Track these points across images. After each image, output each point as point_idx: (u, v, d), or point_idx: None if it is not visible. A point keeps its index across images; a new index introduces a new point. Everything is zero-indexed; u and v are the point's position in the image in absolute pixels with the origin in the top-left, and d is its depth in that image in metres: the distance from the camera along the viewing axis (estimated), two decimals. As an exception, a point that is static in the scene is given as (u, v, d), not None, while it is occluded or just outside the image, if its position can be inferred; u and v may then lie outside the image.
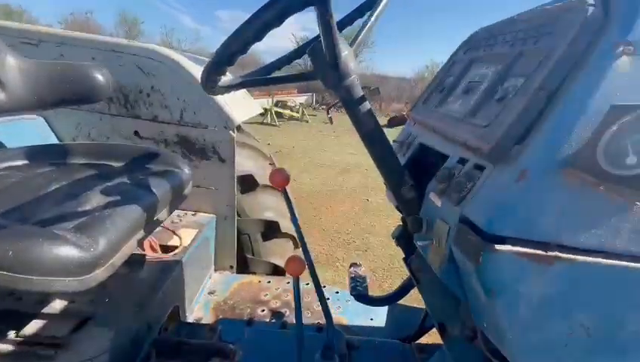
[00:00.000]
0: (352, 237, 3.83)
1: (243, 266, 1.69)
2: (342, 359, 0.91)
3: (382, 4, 0.69)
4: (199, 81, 0.66)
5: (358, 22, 0.74)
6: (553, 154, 0.39)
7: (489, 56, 0.63)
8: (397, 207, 0.84)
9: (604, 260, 0.41)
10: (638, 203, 0.37)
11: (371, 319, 1.29)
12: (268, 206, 1.79)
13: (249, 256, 1.72)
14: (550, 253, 0.41)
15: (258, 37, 0.48)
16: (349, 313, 1.31)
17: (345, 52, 0.57)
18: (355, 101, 0.62)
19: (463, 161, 0.53)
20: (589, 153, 0.36)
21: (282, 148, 7.62)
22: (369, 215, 4.34)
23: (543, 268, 0.41)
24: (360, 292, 1.06)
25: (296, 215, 0.87)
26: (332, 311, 0.96)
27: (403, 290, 1.04)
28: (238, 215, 1.58)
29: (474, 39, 0.76)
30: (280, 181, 0.81)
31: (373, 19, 0.69)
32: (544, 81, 0.43)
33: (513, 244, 0.41)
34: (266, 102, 12.70)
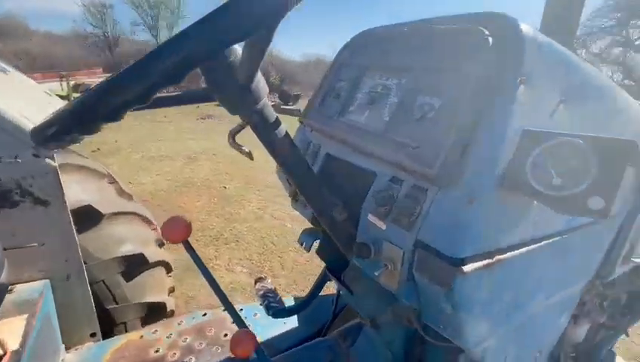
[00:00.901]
0: (218, 231, 3.62)
1: (108, 324, 1.30)
2: None
3: None
4: None
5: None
6: (492, 175, 0.44)
7: (386, 66, 0.64)
8: (312, 220, 0.80)
9: (521, 250, 0.51)
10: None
11: (284, 323, 1.26)
12: (122, 237, 1.40)
13: (111, 306, 1.33)
14: (494, 259, 0.47)
15: (167, 82, 0.29)
16: (261, 326, 1.23)
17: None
18: (270, 125, 0.52)
19: (396, 181, 0.54)
20: (521, 174, 0.42)
21: (102, 144, 6.10)
22: (230, 203, 4.16)
23: (490, 272, 0.47)
24: (276, 309, 1.00)
25: (206, 266, 0.70)
26: None
27: (315, 292, 1.05)
28: (84, 261, 1.17)
29: (359, 42, 0.76)
30: (178, 234, 0.62)
31: None
32: (466, 106, 0.46)
33: (472, 262, 0.45)
34: (60, 86, 9.70)
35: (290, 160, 0.55)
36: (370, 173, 0.59)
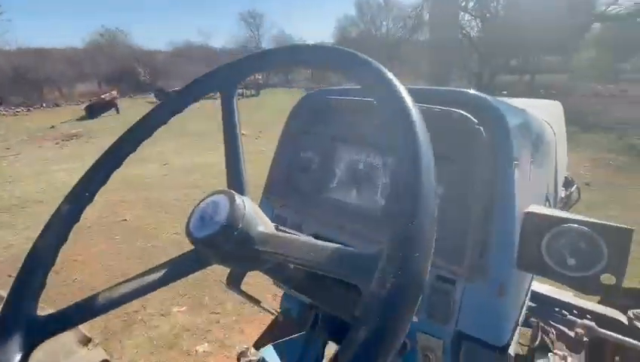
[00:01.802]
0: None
1: None
2: None
3: None
4: None
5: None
6: (512, 260, 0.48)
7: (362, 141, 0.61)
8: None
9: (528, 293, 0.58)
10: None
11: None
12: None
13: None
14: (519, 323, 0.53)
15: None
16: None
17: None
18: (284, 265, 0.45)
19: None
20: (536, 255, 0.47)
21: None
22: (139, 236, 3.63)
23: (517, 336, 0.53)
24: None
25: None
26: None
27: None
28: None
29: (316, 107, 0.69)
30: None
31: None
32: (473, 194, 0.48)
33: (512, 338, 0.49)
34: None
35: (304, 281, 0.50)
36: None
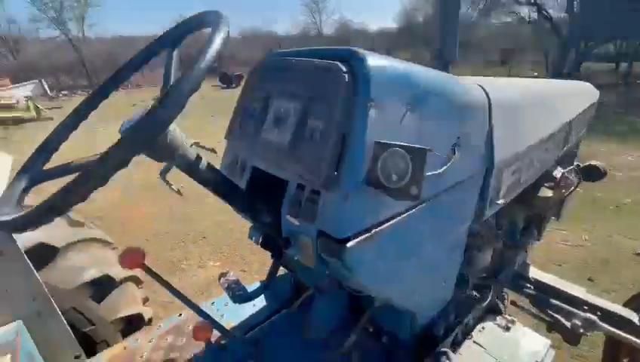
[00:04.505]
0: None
1: (90, 344, 1.39)
2: None
3: None
4: None
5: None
6: (359, 177, 0.61)
7: (285, 92, 0.77)
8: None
9: (396, 219, 0.70)
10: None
11: (254, 305, 1.43)
12: (83, 263, 1.46)
13: (88, 329, 1.41)
14: (372, 232, 0.66)
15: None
16: (232, 313, 1.40)
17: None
18: (193, 163, 0.65)
19: (301, 187, 0.70)
20: (375, 174, 0.60)
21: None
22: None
23: (372, 241, 0.66)
24: (241, 296, 1.16)
25: (168, 282, 0.84)
26: (218, 320, 1.04)
27: (271, 276, 1.22)
28: (52, 295, 1.23)
29: (268, 66, 0.87)
30: (134, 262, 0.75)
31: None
32: (336, 127, 0.62)
33: (355, 238, 0.63)
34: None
35: (217, 185, 0.69)
36: (285, 182, 0.74)
